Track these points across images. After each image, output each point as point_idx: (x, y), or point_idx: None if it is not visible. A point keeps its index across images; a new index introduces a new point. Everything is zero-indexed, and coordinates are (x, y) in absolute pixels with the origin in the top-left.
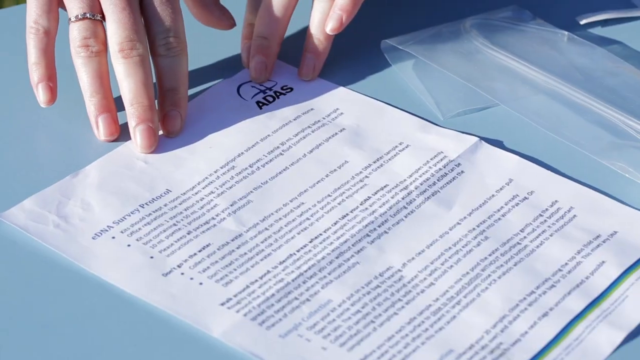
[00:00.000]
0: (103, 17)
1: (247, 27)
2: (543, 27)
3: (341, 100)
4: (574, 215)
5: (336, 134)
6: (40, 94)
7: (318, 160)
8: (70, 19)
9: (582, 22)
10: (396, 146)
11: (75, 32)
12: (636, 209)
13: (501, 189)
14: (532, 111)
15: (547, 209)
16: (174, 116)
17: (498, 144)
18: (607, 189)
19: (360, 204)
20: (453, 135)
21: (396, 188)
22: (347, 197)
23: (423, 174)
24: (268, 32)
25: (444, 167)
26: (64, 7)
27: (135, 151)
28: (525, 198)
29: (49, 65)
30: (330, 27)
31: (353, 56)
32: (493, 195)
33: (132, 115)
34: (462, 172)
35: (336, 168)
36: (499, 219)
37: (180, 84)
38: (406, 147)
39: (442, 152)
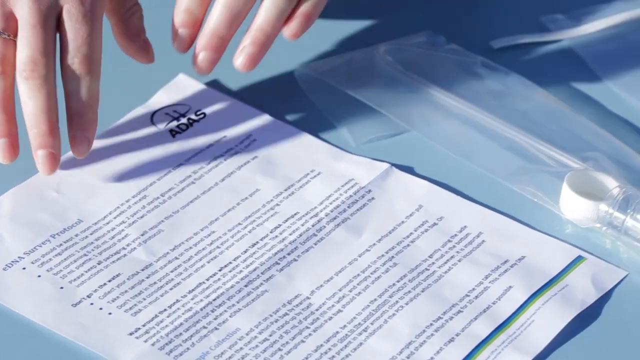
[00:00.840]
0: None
1: (186, 14)
2: (457, 52)
3: (254, 127)
4: (483, 241)
5: (248, 162)
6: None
7: (230, 189)
8: None
9: (496, 47)
10: (308, 174)
11: None
12: (544, 233)
13: (411, 215)
14: (444, 137)
15: (456, 235)
16: (79, 140)
17: (409, 170)
18: (516, 213)
19: (271, 232)
20: (364, 162)
21: (306, 215)
22: (257, 225)
23: (334, 201)
24: (226, 33)
25: (355, 194)
26: None
27: (47, 181)
28: (435, 224)
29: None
30: (291, 31)
31: (267, 81)
32: (403, 222)
33: (32, 139)
34: (373, 198)
35: (247, 196)
36: (408, 245)
37: (87, 107)
38: (318, 174)
39: (353, 179)
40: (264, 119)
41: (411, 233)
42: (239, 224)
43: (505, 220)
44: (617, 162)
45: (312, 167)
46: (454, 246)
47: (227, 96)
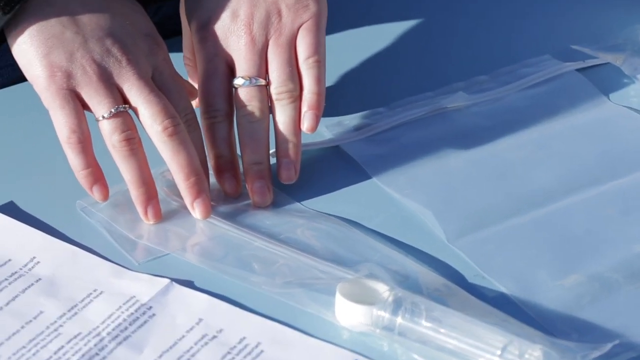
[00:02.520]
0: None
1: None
2: None
3: (38, 248)
4: (262, 350)
5: (32, 284)
6: (97, 194)
7: (14, 313)
8: (102, 116)
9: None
10: (90, 293)
11: (112, 128)
12: (322, 340)
13: (191, 329)
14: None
15: (235, 346)
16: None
17: (189, 284)
18: (295, 322)
19: (54, 354)
20: (146, 278)
21: (89, 335)
22: (41, 348)
23: (115, 319)
24: (259, 157)
25: (136, 311)
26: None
27: None
28: (215, 336)
29: (97, 168)
30: (307, 126)
31: (49, 203)
32: (183, 336)
33: (189, 189)
34: (154, 314)
35: (32, 319)
36: (189, 359)
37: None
38: (100, 293)
39: (134, 296)
40: (48, 240)
41: (191, 347)
42: (24, 347)
43: (283, 329)
44: (387, 269)
45: (94, 286)
46: (234, 357)
47: (12, 219)
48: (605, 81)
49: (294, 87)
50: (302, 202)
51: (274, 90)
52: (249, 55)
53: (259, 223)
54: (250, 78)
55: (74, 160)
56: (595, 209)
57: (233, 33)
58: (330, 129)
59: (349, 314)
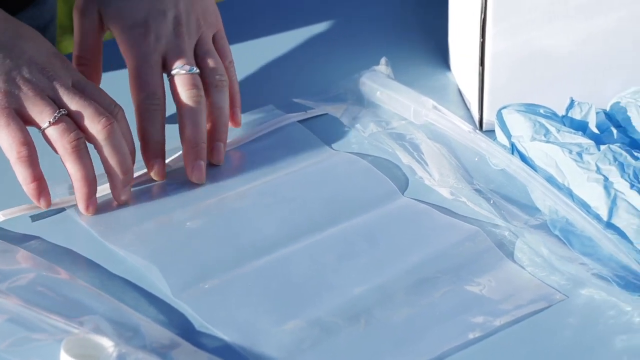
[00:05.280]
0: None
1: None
2: None
3: None
4: None
5: None
6: (43, 203)
7: None
8: (49, 121)
9: None
10: None
11: (60, 131)
12: None
13: None
14: None
15: None
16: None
17: None
18: None
19: None
20: None
21: None
22: None
23: None
24: (200, 139)
25: None
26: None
27: None
28: None
29: (44, 179)
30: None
31: None
32: None
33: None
34: None
35: None
36: None
37: None
38: None
39: None
40: None
41: None
42: None
43: None
44: (113, 322)
45: None
46: None
47: None
48: (327, 130)
49: (226, 77)
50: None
51: (212, 77)
52: (184, 47)
53: None
54: (190, 66)
55: (24, 173)
56: (316, 255)
57: (167, 29)
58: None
59: None
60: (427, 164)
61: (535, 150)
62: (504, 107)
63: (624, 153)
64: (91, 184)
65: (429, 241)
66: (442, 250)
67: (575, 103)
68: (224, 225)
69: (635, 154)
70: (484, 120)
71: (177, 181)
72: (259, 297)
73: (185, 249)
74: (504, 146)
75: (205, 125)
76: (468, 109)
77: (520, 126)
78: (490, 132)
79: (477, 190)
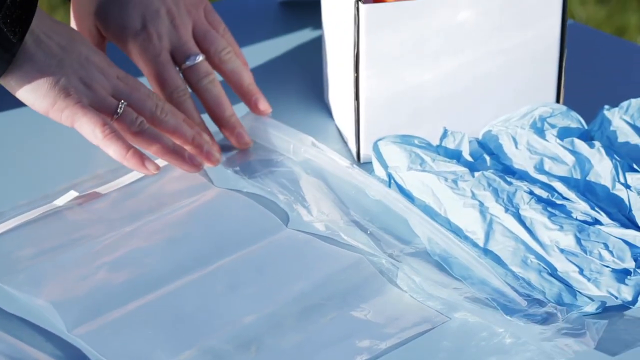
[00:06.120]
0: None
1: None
2: None
3: None
4: None
5: None
6: (151, 167)
7: None
8: (117, 112)
9: None
10: None
11: (129, 120)
12: None
13: None
14: None
15: None
16: None
17: None
18: None
19: None
20: None
21: None
22: None
23: None
24: (231, 111)
25: None
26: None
27: None
28: None
29: (137, 149)
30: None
31: None
32: None
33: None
34: None
35: None
36: None
37: None
38: None
39: None
40: None
41: None
42: None
43: None
44: (11, 358)
45: None
46: None
47: None
48: (210, 169)
49: (230, 48)
50: None
51: (218, 55)
52: (185, 38)
53: None
54: (196, 55)
55: (116, 146)
56: (205, 287)
57: (165, 27)
58: None
59: None
60: (305, 200)
61: (412, 179)
62: (380, 139)
63: (497, 179)
64: (175, 149)
65: (314, 269)
66: (327, 278)
67: (449, 133)
68: (117, 263)
69: (508, 179)
70: (361, 153)
71: (71, 219)
72: (153, 329)
73: (79, 286)
74: (380, 179)
75: (229, 101)
76: (345, 143)
77: (396, 157)
78: (368, 165)
79: (355, 222)
